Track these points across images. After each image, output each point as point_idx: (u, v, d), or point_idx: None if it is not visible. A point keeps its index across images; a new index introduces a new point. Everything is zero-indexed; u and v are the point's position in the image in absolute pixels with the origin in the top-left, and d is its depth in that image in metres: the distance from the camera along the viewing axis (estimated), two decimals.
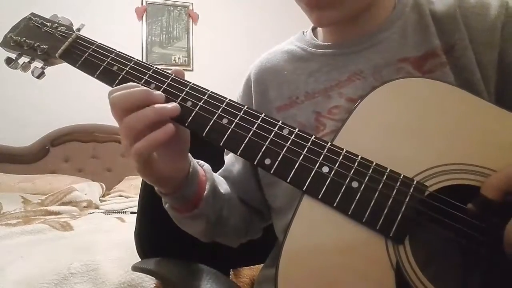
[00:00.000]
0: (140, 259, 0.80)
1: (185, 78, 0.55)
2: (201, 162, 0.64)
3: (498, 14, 0.56)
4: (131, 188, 2.62)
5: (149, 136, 0.47)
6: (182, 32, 3.43)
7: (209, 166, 0.65)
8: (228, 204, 0.66)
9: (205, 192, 0.60)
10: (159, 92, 0.51)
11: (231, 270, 1.01)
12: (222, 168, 0.75)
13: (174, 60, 3.38)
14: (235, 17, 3.51)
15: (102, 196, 2.56)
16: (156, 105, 0.49)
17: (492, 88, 0.55)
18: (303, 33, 0.74)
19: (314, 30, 0.74)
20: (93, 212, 1.99)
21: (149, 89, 0.50)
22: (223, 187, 0.68)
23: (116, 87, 0.50)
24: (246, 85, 0.74)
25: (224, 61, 3.38)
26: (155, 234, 0.82)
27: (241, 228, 0.71)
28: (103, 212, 2.02)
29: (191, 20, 3.44)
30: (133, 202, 2.20)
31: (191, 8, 3.45)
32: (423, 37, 0.59)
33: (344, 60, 0.63)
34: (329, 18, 0.60)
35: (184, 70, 3.18)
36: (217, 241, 0.70)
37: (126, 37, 3.11)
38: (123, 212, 2.04)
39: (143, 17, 3.33)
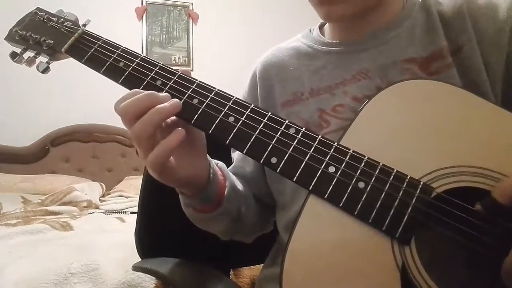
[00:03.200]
0: (140, 259, 0.80)
1: None
2: (215, 160, 0.63)
3: (507, 16, 0.55)
4: (131, 188, 2.62)
5: (160, 145, 0.47)
6: (182, 32, 3.43)
7: (223, 164, 0.65)
8: (245, 201, 0.67)
9: (226, 191, 0.60)
10: (165, 94, 0.51)
11: (231, 270, 1.00)
12: (233, 165, 0.75)
13: (174, 60, 3.38)
14: (235, 17, 3.51)
15: (102, 196, 2.56)
16: (157, 106, 0.48)
17: (499, 90, 0.55)
18: (310, 31, 0.74)
19: (321, 28, 0.74)
20: (93, 212, 1.99)
21: (154, 92, 0.49)
22: (238, 184, 0.68)
23: (121, 98, 0.49)
24: (252, 81, 0.74)
25: (224, 61, 3.38)
26: (155, 234, 0.82)
27: (257, 223, 0.71)
28: (103, 212, 2.02)
29: (191, 20, 3.45)
30: (133, 202, 2.20)
31: (191, 8, 3.45)
32: (431, 38, 0.59)
33: (350, 58, 0.63)
34: (338, 13, 0.59)
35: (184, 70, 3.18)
36: (234, 238, 0.70)
37: (126, 37, 3.10)
38: (123, 212, 2.04)
39: (143, 17, 3.33)
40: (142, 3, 3.34)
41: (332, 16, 0.61)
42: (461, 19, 0.58)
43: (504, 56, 0.55)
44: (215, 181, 0.58)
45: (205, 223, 0.64)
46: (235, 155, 0.76)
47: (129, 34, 3.21)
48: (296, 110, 0.64)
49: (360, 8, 0.59)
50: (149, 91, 0.49)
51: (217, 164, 0.63)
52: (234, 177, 0.68)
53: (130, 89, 0.53)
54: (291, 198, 0.63)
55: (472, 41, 0.56)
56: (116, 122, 3.10)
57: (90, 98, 2.98)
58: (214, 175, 0.58)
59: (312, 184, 0.45)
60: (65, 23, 0.62)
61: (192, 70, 3.40)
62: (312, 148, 0.46)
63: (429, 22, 0.60)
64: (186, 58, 3.42)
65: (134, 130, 0.47)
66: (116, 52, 0.57)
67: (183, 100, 0.51)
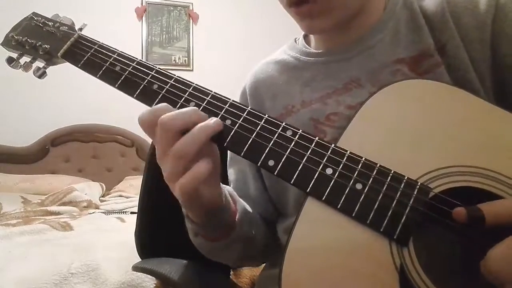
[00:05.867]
0: (140, 259, 0.80)
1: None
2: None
3: (488, 8, 0.54)
4: (131, 188, 2.62)
5: (192, 171, 0.44)
6: (182, 32, 3.43)
7: (230, 187, 0.63)
8: (255, 223, 0.65)
9: (238, 214, 0.58)
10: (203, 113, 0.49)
11: (231, 270, 1.00)
12: (234, 185, 0.72)
13: (174, 60, 3.38)
14: (235, 17, 3.51)
15: (102, 196, 2.56)
16: (202, 124, 0.46)
17: (489, 84, 0.54)
18: (295, 41, 0.74)
19: (306, 37, 0.73)
20: (93, 212, 1.99)
21: (197, 108, 0.48)
22: (247, 206, 0.65)
23: (148, 111, 0.47)
24: (242, 98, 0.74)
25: (224, 61, 3.38)
26: (155, 234, 0.82)
27: (269, 243, 0.68)
28: (103, 212, 2.02)
29: (191, 20, 3.45)
30: (133, 202, 2.20)
31: (191, 8, 3.45)
32: (416, 36, 0.58)
33: (338, 67, 0.63)
34: (319, 26, 0.59)
35: (184, 70, 3.18)
36: (248, 264, 0.69)
37: (126, 37, 3.11)
38: (123, 212, 2.04)
39: (143, 17, 3.33)
40: (142, 3, 3.34)
41: (314, 30, 0.61)
42: (442, 15, 0.57)
43: (488, 50, 0.54)
44: (227, 206, 0.56)
45: (217, 253, 0.62)
46: (232, 173, 0.74)
47: (129, 34, 3.21)
48: (288, 122, 0.63)
49: (341, 19, 0.59)
50: (194, 108, 0.48)
51: (223, 188, 0.60)
52: (241, 200, 0.64)
53: (127, 93, 0.54)
54: (293, 207, 0.63)
55: (455, 38, 0.55)
56: (116, 122, 3.12)
57: (90, 98, 2.98)
58: (226, 198, 0.56)
59: (310, 186, 0.45)
60: (61, 27, 0.62)
61: (192, 70, 3.40)
62: (309, 150, 0.46)
63: (413, 20, 0.59)
64: (186, 58, 3.42)
65: (178, 148, 0.44)
66: (112, 56, 0.56)
67: (179, 103, 0.51)
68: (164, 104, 0.48)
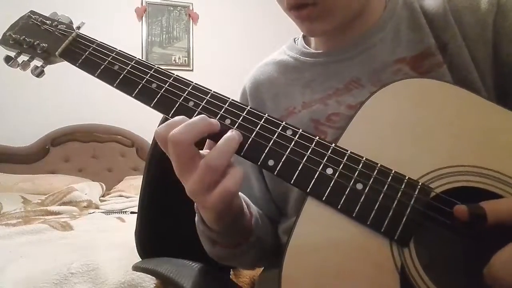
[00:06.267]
0: (140, 259, 0.80)
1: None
2: None
3: (489, 7, 0.54)
4: (131, 188, 2.62)
5: (232, 174, 0.45)
6: (182, 32, 3.44)
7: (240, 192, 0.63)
8: (265, 225, 0.65)
9: (253, 218, 0.58)
10: (215, 120, 0.48)
11: (231, 270, 1.00)
12: None
13: (174, 60, 3.38)
14: (235, 17, 3.51)
15: (102, 196, 2.57)
16: (231, 140, 0.46)
17: (490, 83, 0.54)
18: (294, 41, 0.73)
19: (305, 37, 0.73)
20: (93, 212, 1.99)
21: (206, 116, 0.47)
22: (257, 209, 0.65)
23: (168, 122, 0.46)
24: (242, 99, 0.73)
25: (224, 61, 3.38)
26: (155, 234, 0.82)
27: (274, 242, 0.68)
28: (103, 212, 2.02)
29: (191, 20, 3.45)
30: (133, 202, 2.20)
31: (191, 8, 3.45)
32: (417, 36, 0.58)
33: (338, 68, 0.62)
34: (320, 29, 0.59)
35: (184, 70, 3.18)
36: (258, 266, 0.69)
37: (126, 37, 3.11)
38: (123, 212, 2.05)
39: (143, 17, 3.33)
40: (142, 3, 3.34)
41: (315, 32, 0.61)
42: (444, 14, 0.57)
43: (490, 49, 0.54)
44: (244, 210, 0.56)
45: (235, 258, 0.61)
46: None
47: (129, 34, 3.21)
48: (289, 122, 0.63)
49: (341, 22, 0.58)
50: (203, 116, 0.47)
51: None
52: (252, 203, 0.64)
53: (126, 92, 0.53)
54: (294, 208, 0.63)
55: (456, 37, 0.55)
56: (116, 122, 3.12)
57: (90, 98, 2.98)
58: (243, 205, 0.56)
59: (310, 186, 0.44)
60: (59, 26, 0.61)
61: (192, 70, 3.40)
62: (310, 150, 0.46)
63: (413, 19, 0.59)
64: (186, 58, 3.42)
65: (208, 162, 0.43)
66: (111, 55, 0.56)
67: (178, 102, 0.51)
68: (181, 117, 0.47)
